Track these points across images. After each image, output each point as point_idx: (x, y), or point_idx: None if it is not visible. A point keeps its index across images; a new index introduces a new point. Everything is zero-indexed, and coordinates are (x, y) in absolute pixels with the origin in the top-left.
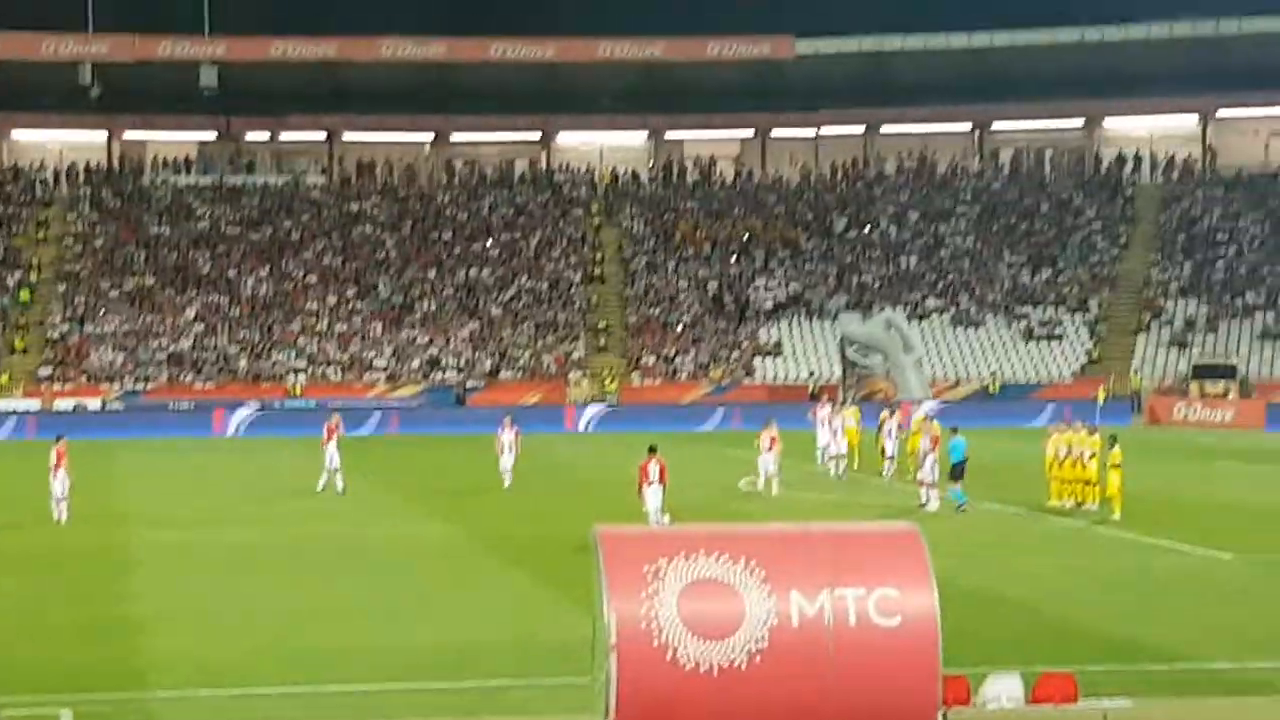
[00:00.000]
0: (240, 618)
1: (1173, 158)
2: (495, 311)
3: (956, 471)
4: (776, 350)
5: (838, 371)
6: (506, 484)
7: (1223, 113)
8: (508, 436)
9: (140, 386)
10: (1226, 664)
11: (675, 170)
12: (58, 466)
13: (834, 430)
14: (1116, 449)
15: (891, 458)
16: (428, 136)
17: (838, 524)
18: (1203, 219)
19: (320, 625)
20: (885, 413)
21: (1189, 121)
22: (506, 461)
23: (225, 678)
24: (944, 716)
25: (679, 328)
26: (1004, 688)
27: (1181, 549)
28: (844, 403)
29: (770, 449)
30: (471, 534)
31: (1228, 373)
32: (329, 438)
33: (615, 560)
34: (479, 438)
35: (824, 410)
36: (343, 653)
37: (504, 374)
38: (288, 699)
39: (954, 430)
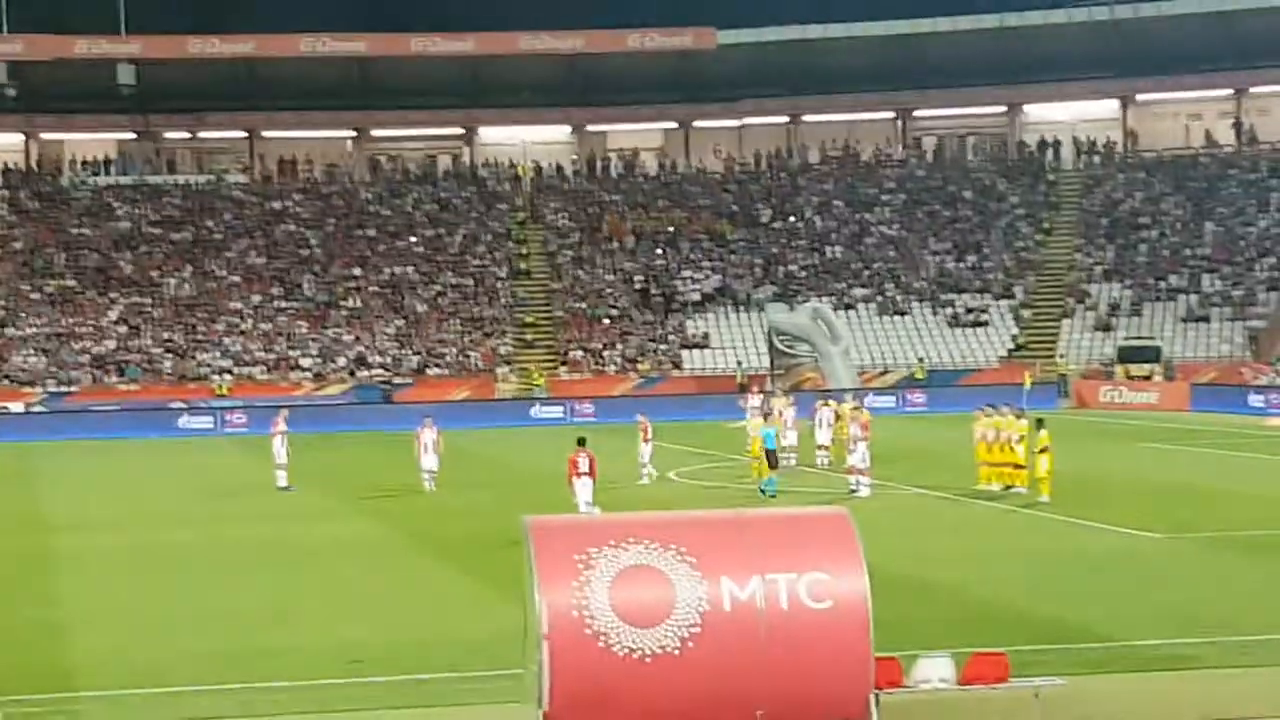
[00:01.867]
0: (168, 618)
1: (1094, 142)
2: (421, 308)
3: (771, 460)
4: (704, 342)
5: (765, 362)
6: (428, 488)
7: (1142, 96)
8: (429, 436)
9: (63, 389)
10: (1156, 641)
11: (599, 163)
12: None
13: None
14: (1044, 432)
15: (825, 446)
16: (350, 133)
17: (768, 510)
18: (1125, 202)
19: (250, 624)
20: (819, 403)
21: (1109, 106)
22: (429, 462)
23: (155, 677)
24: (876, 699)
25: (606, 321)
26: (935, 669)
27: (1110, 529)
28: (774, 393)
29: (646, 440)
30: (401, 531)
31: (1152, 355)
32: (420, 439)
33: (545, 550)
34: (407, 435)
35: (755, 400)
36: (273, 651)
37: (431, 370)
38: (220, 695)
39: (766, 417)
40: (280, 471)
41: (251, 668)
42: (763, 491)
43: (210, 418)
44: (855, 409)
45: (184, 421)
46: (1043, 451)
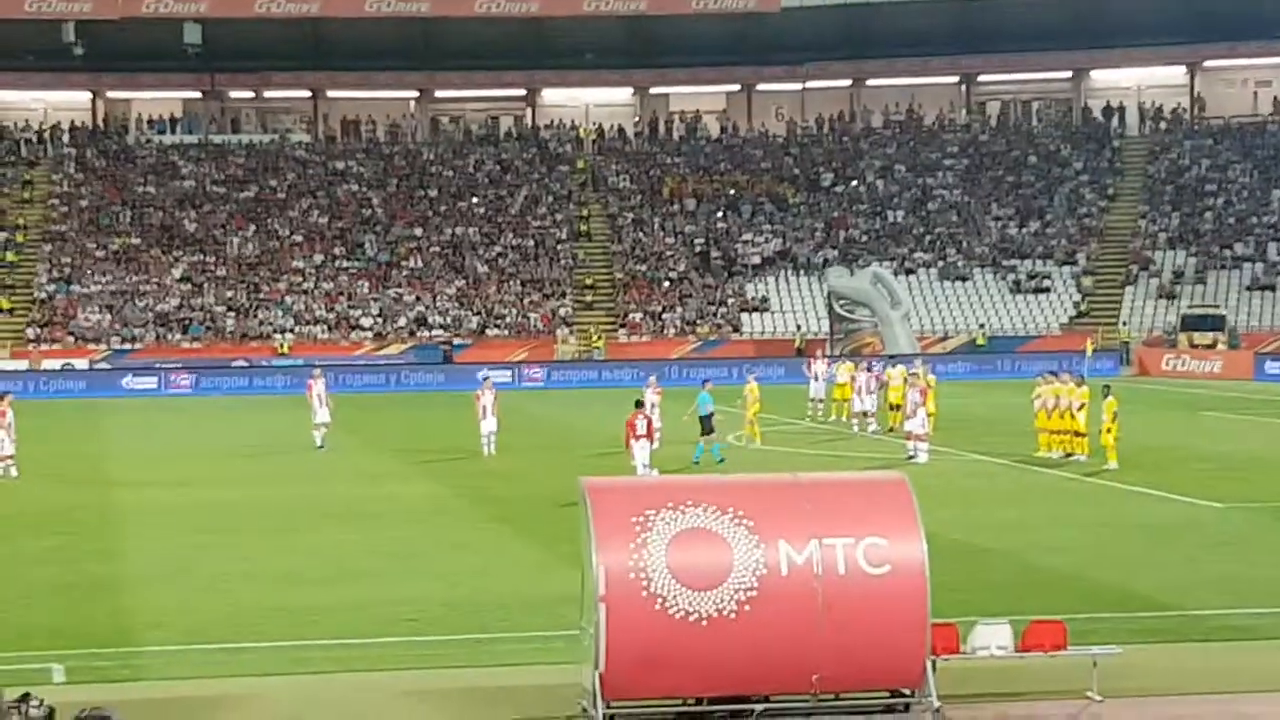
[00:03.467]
0: (227, 574)
1: (1160, 109)
2: (482, 269)
3: (705, 426)
4: (764, 305)
5: (825, 326)
6: (487, 452)
7: (1210, 63)
8: (488, 398)
9: (127, 347)
10: (1215, 611)
11: (661, 126)
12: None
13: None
14: (1111, 399)
15: (868, 413)
16: (413, 94)
17: (826, 474)
18: (1190, 170)
19: (307, 582)
20: (882, 367)
21: (1176, 72)
22: (489, 425)
23: (214, 633)
24: (932, 664)
25: (666, 284)
26: (993, 636)
27: (1171, 498)
28: (839, 357)
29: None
30: (459, 491)
31: (1216, 323)
32: (311, 393)
33: (603, 512)
34: (467, 395)
35: (819, 365)
36: (330, 609)
37: (491, 331)
38: (278, 652)
39: (704, 383)
40: (316, 432)
41: (309, 625)
42: (696, 462)
43: (274, 376)
44: (913, 375)
45: (246, 380)
46: (1112, 419)
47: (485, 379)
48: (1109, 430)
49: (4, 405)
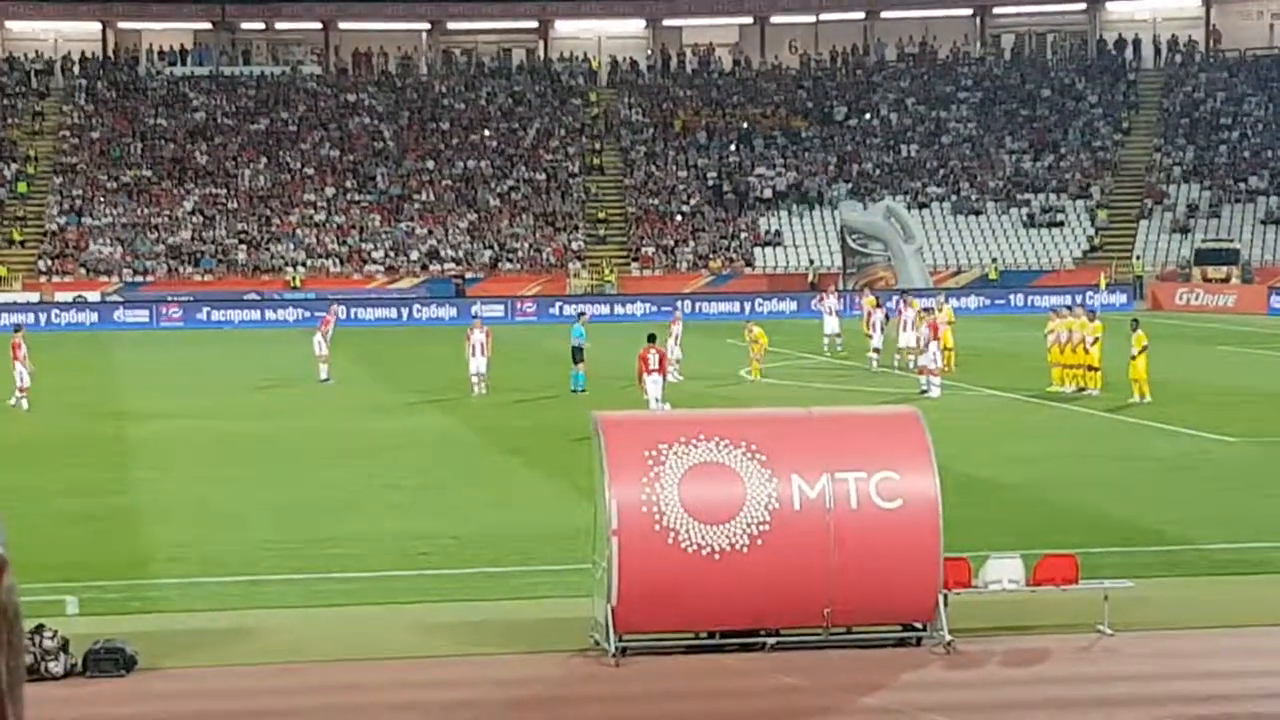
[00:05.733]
0: (239, 508)
1: (1175, 40)
2: (494, 202)
3: (576, 355)
4: (776, 239)
5: (838, 260)
6: (476, 392)
7: None
8: (478, 336)
9: (139, 279)
10: (1227, 545)
11: (674, 58)
12: (15, 358)
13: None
14: (1140, 333)
15: (878, 350)
16: (424, 26)
17: (838, 408)
18: (1206, 102)
19: (320, 515)
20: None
21: (1192, 4)
22: (478, 365)
23: (226, 566)
24: (944, 598)
25: (678, 218)
26: (1005, 570)
27: (1184, 432)
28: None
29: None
30: (470, 425)
31: (1230, 257)
32: (325, 328)
33: (616, 446)
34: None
35: (830, 299)
36: (343, 541)
37: (503, 265)
38: (289, 585)
39: (580, 315)
40: (322, 365)
41: (321, 559)
42: (575, 391)
43: (285, 309)
44: (925, 310)
45: (259, 313)
46: (1141, 352)
47: (476, 317)
48: (1136, 362)
49: (18, 338)
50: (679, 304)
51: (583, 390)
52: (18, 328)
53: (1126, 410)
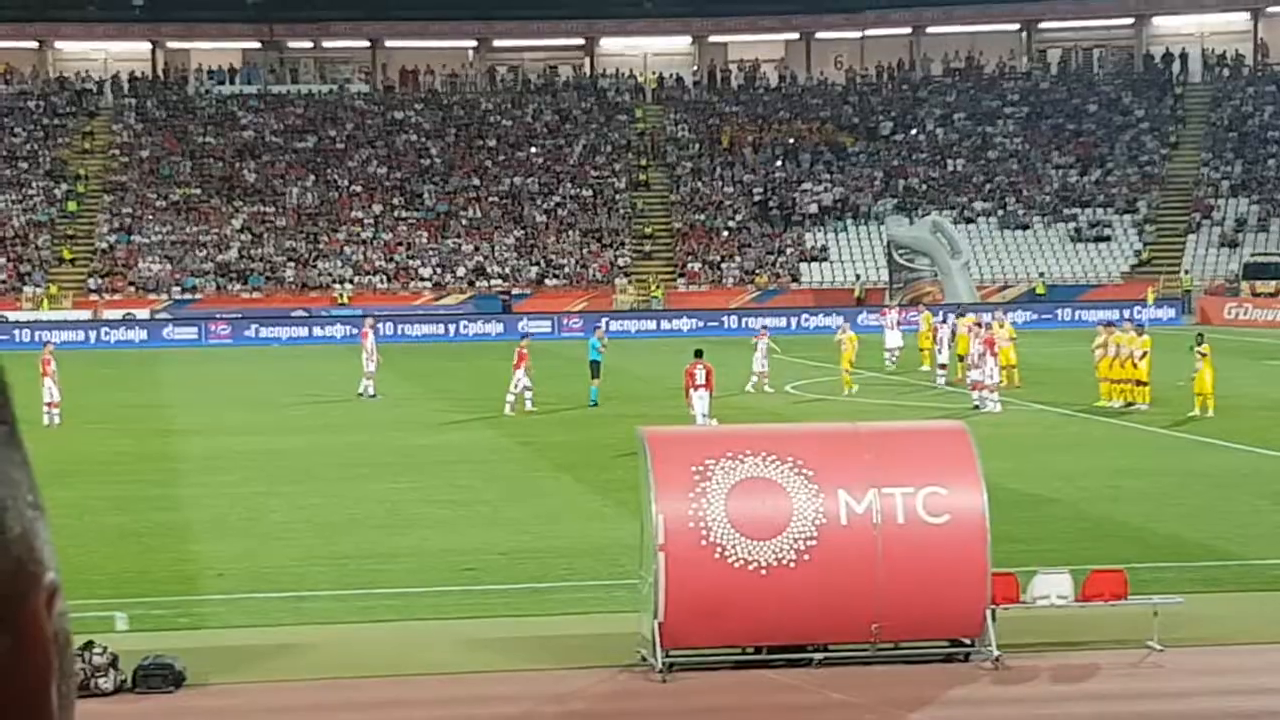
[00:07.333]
0: (288, 523)
1: (1223, 55)
2: (540, 219)
3: (594, 371)
4: (823, 255)
5: (884, 276)
6: (509, 412)
7: (1273, 9)
8: (369, 342)
9: (188, 297)
10: (1277, 560)
11: (719, 74)
12: (44, 373)
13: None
14: (1205, 345)
15: (944, 366)
16: (471, 43)
17: (885, 424)
18: (1254, 116)
19: (368, 530)
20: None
21: (1239, 18)
22: (522, 380)
23: (274, 582)
24: (992, 614)
25: (724, 233)
26: (1053, 585)
27: (1233, 448)
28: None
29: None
30: (518, 441)
31: (1278, 271)
32: (365, 340)
33: (663, 461)
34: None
35: (892, 314)
36: (391, 556)
37: (549, 281)
38: (337, 600)
39: (595, 330)
40: (367, 381)
41: (368, 574)
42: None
43: (333, 326)
44: (977, 326)
45: (306, 330)
46: (1205, 365)
47: (523, 335)
48: (1202, 375)
49: (47, 354)
50: (764, 324)
51: (594, 405)
52: (45, 344)
53: (1176, 425)
